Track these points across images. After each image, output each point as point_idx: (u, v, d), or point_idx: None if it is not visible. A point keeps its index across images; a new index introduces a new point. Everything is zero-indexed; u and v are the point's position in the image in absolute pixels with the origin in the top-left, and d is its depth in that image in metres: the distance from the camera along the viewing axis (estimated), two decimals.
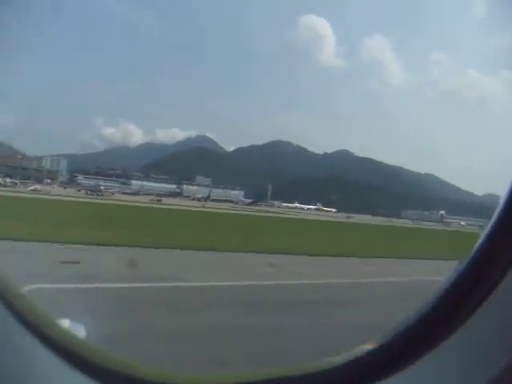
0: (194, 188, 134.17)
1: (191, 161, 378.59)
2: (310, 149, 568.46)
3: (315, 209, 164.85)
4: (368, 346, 1.14)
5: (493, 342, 0.95)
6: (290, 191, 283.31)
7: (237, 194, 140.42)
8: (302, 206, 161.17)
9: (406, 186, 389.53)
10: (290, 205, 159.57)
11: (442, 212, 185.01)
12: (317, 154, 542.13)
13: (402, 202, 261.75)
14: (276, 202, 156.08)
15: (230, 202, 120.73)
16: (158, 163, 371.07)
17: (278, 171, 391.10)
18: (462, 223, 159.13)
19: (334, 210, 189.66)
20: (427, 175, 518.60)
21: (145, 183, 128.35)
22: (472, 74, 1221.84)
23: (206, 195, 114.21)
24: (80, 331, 1.71)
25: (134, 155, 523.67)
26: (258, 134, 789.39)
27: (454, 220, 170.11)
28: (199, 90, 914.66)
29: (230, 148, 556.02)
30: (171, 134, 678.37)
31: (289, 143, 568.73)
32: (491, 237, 1.03)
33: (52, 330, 1.21)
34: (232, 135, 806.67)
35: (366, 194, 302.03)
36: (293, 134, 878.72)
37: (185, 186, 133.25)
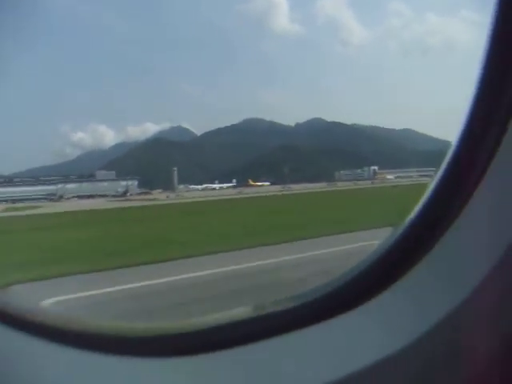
0: (71, 186, 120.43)
1: (146, 155, 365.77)
2: (282, 122, 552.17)
3: (230, 186, 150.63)
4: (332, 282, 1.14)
5: (454, 274, 0.97)
6: (239, 171, 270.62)
7: (123, 184, 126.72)
8: (214, 185, 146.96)
9: (381, 145, 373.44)
10: (199, 186, 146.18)
11: (375, 168, 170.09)
12: (289, 126, 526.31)
13: (372, 162, 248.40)
14: (182, 186, 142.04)
15: (100, 196, 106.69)
16: (113, 163, 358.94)
17: (241, 151, 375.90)
18: (389, 177, 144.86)
19: (267, 183, 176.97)
20: (405, 130, 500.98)
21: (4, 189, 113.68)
22: (433, 19, 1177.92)
23: (59, 193, 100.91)
24: None
25: (108, 157, 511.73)
26: (233, 115, 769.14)
27: (389, 175, 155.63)
28: (168, 81, 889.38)
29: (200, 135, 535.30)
30: (144, 130, 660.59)
31: (260, 120, 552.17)
32: (446, 175, 1.06)
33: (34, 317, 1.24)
34: (207, 121, 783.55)
35: (325, 160, 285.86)
36: (266, 110, 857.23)
37: (59, 186, 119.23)
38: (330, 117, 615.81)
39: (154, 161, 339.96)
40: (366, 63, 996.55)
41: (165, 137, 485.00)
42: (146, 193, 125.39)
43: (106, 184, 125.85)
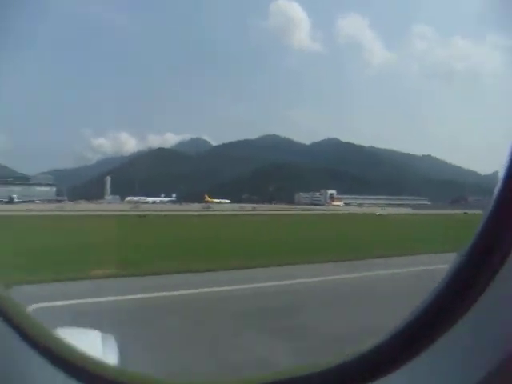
0: None
1: (147, 165, 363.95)
2: (299, 140, 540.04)
3: (168, 201, 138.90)
4: (364, 347, 1.13)
5: (491, 335, 0.92)
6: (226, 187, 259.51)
7: (38, 190, 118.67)
8: (149, 199, 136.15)
9: (393, 169, 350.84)
10: (135, 198, 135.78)
11: (332, 192, 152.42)
12: (304, 145, 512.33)
13: (371, 186, 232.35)
14: (110, 197, 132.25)
15: None
16: (115, 170, 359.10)
17: (245, 166, 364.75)
18: (336, 203, 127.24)
19: (226, 200, 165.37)
20: (425, 157, 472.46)
21: None
22: (459, 43, 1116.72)
23: None
24: (111, 343, 1.73)
25: (127, 164, 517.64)
26: (253, 131, 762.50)
27: (348, 200, 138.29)
28: (192, 93, 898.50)
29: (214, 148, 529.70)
30: (164, 140, 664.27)
31: (276, 136, 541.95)
32: (486, 228, 1.00)
33: (51, 342, 1.21)
34: (227, 135, 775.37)
35: (318, 180, 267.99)
36: (287, 126, 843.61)
37: None
38: (347, 137, 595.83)
39: (150, 170, 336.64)
40: (387, 85, 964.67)
41: (171, 148, 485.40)
42: (58, 201, 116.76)
43: (17, 189, 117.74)
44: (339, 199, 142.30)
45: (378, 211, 61.63)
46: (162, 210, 63.95)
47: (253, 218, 47.52)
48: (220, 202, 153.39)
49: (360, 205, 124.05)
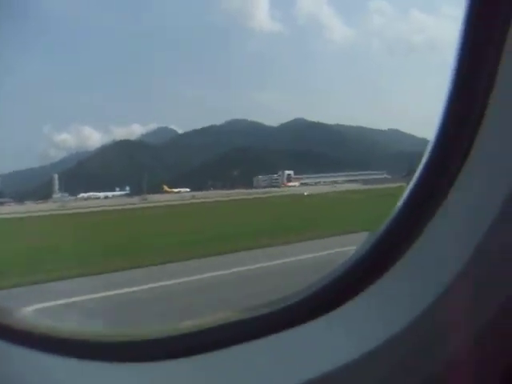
0: None
1: (111, 158, 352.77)
2: (266, 122, 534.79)
3: (122, 195, 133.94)
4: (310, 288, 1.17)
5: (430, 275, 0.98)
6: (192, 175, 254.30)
7: None
8: (100, 194, 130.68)
9: (359, 146, 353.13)
10: (85, 194, 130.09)
11: (290, 172, 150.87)
12: (271, 127, 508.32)
13: (338, 164, 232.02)
14: (58, 196, 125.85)
15: None
16: (77, 167, 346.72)
17: (205, 155, 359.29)
18: (292, 184, 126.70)
19: (186, 189, 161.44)
20: (392, 131, 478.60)
21: None
22: (416, 17, 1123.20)
23: None
24: None
25: (89, 159, 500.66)
26: (220, 116, 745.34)
27: (308, 180, 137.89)
28: (156, 81, 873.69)
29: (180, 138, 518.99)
30: (130, 131, 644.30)
31: (242, 120, 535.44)
32: (422, 178, 1.07)
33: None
34: (194, 123, 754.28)
35: (284, 162, 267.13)
36: (252, 110, 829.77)
37: None
38: (314, 117, 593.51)
39: (114, 164, 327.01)
40: (350, 61, 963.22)
41: (135, 139, 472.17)
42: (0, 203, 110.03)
43: None
44: (297, 179, 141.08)
45: (307, 191, 59.97)
46: (93, 206, 60.47)
47: (158, 211, 43.83)
48: (179, 192, 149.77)
49: (317, 183, 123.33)
